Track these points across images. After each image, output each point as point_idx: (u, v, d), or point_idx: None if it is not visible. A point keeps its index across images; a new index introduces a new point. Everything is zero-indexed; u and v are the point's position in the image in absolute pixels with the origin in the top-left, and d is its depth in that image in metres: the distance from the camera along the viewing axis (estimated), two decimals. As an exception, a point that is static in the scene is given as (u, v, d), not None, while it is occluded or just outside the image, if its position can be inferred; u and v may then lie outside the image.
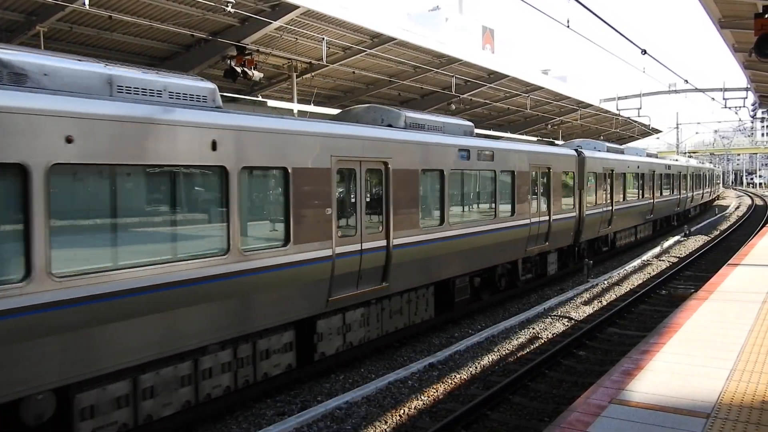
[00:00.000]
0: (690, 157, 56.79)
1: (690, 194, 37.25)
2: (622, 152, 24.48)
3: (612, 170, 21.64)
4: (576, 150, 19.27)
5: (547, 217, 16.47)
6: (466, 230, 12.86)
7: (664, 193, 29.63)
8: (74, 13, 13.85)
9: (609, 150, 22.92)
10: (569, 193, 18.24)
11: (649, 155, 29.16)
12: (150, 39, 16.27)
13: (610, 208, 21.52)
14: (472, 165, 13.09)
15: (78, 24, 14.62)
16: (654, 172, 27.51)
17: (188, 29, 15.87)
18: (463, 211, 13.19)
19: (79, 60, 7.18)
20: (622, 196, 22.90)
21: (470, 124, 14.48)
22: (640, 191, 25.56)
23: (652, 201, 27.12)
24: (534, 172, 15.78)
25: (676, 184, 32.63)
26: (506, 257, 14.82)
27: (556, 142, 33.56)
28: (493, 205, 14.03)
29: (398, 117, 12.01)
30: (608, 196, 21.31)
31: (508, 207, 14.68)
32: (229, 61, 16.57)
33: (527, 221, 15.32)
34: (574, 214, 18.34)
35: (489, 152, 13.72)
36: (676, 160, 36.97)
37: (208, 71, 18.29)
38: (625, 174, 23.24)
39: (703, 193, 44.44)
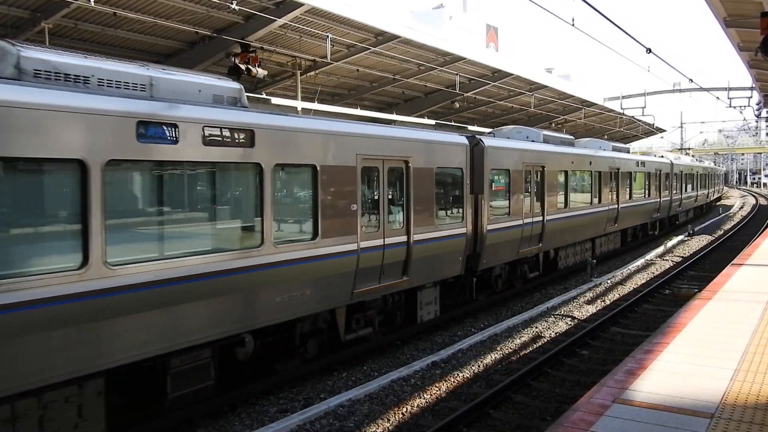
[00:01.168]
0: (687, 154, 52.67)
1: (679, 197, 32.53)
2: (565, 143, 18.86)
3: (541, 167, 16.19)
4: (469, 137, 13.65)
5: (404, 238, 11.10)
6: None
7: (634, 196, 24.49)
8: (79, 10, 13.87)
9: (546, 140, 17.64)
10: (452, 201, 12.75)
11: (617, 149, 24.01)
12: (154, 36, 16.29)
13: (541, 219, 16.07)
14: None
15: (83, 21, 14.64)
16: (617, 170, 22.02)
17: (193, 26, 15.88)
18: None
19: (119, 61, 7.63)
20: (559, 201, 17.38)
21: None
22: (596, 194, 20.16)
23: (615, 206, 21.77)
24: (378, 169, 10.60)
25: (656, 185, 27.60)
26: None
27: (469, 127, 30.88)
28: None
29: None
30: (535, 202, 15.84)
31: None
32: (233, 59, 16.58)
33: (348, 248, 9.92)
34: (463, 230, 12.76)
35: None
36: (661, 156, 31.51)
37: (212, 68, 18.30)
38: (566, 172, 17.73)
39: (697, 196, 38.94)
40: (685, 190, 34.57)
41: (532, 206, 15.65)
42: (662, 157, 31.14)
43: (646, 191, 26.41)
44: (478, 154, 13.59)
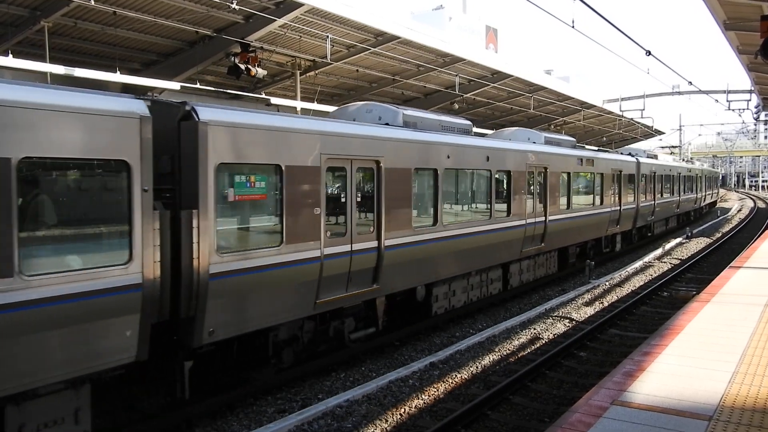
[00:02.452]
0: (672, 153, 46.68)
1: (650, 203, 26.67)
2: (457, 131, 13.54)
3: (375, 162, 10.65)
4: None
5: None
6: None
7: (577, 204, 18.63)
8: (79, 9, 13.86)
9: (443, 127, 12.97)
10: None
11: (554, 141, 18.39)
12: (154, 35, 16.28)
13: (376, 245, 10.49)
14: None
15: (82, 19, 14.63)
16: (545, 170, 16.39)
17: (193, 26, 15.88)
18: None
19: None
20: (416, 216, 11.63)
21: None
22: (499, 204, 14.37)
23: (542, 220, 16.23)
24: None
25: (613, 190, 21.69)
26: None
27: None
28: None
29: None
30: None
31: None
32: (233, 58, 16.58)
33: None
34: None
35: None
36: (630, 154, 26.14)
37: (211, 68, 18.32)
38: (456, 172, 12.99)
39: (679, 202, 33.24)
40: (661, 195, 28.79)
41: (377, 224, 10.55)
42: (629, 154, 25.88)
43: (598, 197, 20.43)
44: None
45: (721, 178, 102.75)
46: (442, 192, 12.13)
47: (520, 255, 15.53)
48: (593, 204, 20.12)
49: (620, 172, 22.47)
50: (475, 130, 16.96)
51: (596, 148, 34.19)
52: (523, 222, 15.34)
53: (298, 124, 9.11)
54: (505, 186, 14.78)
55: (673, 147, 51.96)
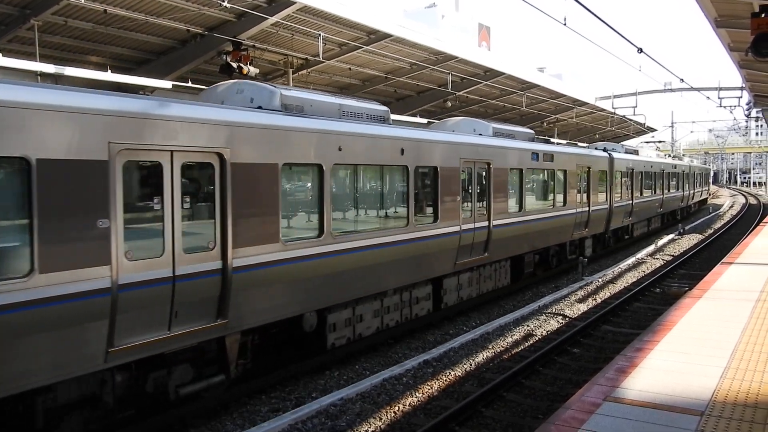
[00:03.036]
0: (658, 148, 42.87)
1: (627, 203, 24.50)
2: (367, 117, 11.42)
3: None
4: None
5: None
6: None
7: (527, 207, 15.88)
8: (69, 7, 13.77)
9: (343, 113, 10.85)
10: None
11: (501, 133, 15.87)
12: (145, 34, 16.19)
13: (220, 267, 8.08)
14: None
15: (73, 18, 14.53)
16: (473, 165, 13.63)
17: (184, 24, 15.80)
18: None
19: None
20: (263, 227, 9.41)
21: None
22: (436, 206, 12.30)
23: (471, 228, 13.44)
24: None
25: (577, 188, 19.13)
26: None
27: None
28: None
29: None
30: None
31: None
32: (224, 57, 16.53)
33: None
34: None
35: None
36: (605, 149, 23.85)
37: (203, 66, 18.24)
38: (354, 168, 10.81)
39: (662, 200, 31.08)
40: (641, 193, 26.71)
41: (221, 237, 8.18)
42: (603, 149, 23.66)
43: (561, 197, 18.12)
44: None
45: (712, 174, 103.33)
46: (330, 194, 9.58)
47: (454, 268, 13.07)
48: (554, 205, 17.68)
49: (589, 168, 20.17)
50: (417, 119, 16.04)
51: (565, 142, 32.08)
52: (457, 229, 12.80)
53: (53, 99, 6.32)
54: (430, 186, 12.32)
55: (659, 142, 50.16)
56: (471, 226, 13.40)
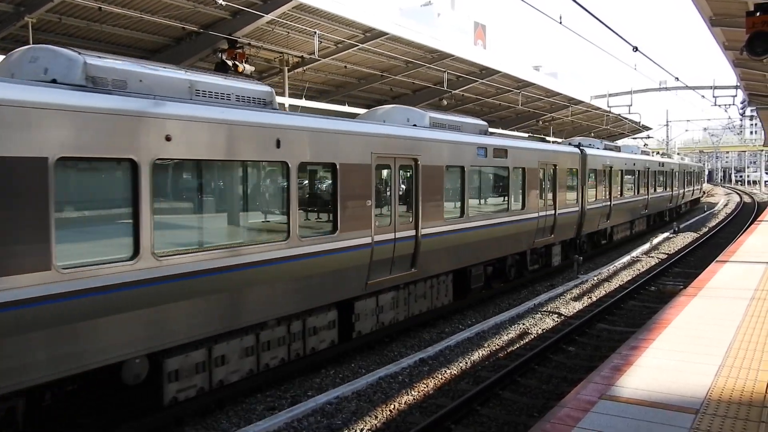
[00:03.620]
0: (646, 145, 40.60)
1: (604, 205, 21.93)
2: (238, 99, 8.99)
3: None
4: None
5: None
6: None
7: (471, 212, 13.45)
8: (63, 4, 13.73)
9: (197, 92, 8.38)
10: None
11: (440, 125, 13.29)
12: (140, 31, 16.15)
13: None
14: None
15: (67, 15, 14.48)
16: (416, 162, 11.64)
17: (179, 22, 15.76)
18: None
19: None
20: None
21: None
22: (335, 213, 10.00)
23: (412, 235, 11.60)
24: None
25: (537, 190, 16.42)
26: None
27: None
28: None
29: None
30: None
31: None
32: (220, 55, 16.50)
33: None
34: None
35: None
36: (579, 145, 21.36)
37: (198, 64, 18.19)
38: (197, 164, 8.10)
39: (648, 201, 28.65)
40: (621, 194, 24.24)
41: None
42: (577, 145, 21.20)
43: (518, 199, 15.60)
44: None
45: (707, 173, 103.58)
46: (151, 199, 7.13)
47: (365, 289, 10.68)
48: (508, 209, 15.00)
49: (555, 166, 17.62)
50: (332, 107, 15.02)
51: (526, 136, 29.00)
52: (368, 240, 10.46)
53: None
54: (325, 187, 10.17)
55: (646, 138, 49.25)
56: (389, 237, 10.94)
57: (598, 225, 21.83)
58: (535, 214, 16.35)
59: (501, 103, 32.39)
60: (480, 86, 27.37)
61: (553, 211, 17.53)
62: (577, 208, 19.46)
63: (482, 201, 14.31)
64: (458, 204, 13.11)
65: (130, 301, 6.97)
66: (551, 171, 17.55)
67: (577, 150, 20.09)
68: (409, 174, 11.62)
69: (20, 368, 6.08)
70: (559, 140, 29.56)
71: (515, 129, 35.88)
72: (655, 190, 30.13)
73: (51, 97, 6.36)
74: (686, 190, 40.39)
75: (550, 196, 17.41)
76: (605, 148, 24.08)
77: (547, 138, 30.70)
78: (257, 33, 17.20)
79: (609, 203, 22.53)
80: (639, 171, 27.04)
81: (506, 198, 15.08)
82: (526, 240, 16.16)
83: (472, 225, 13.48)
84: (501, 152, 14.63)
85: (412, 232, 11.49)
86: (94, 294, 6.58)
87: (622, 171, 24.28)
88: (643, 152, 30.95)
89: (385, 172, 11.12)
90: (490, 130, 16.37)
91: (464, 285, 14.00)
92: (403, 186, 11.48)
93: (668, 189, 33.67)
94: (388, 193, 11.15)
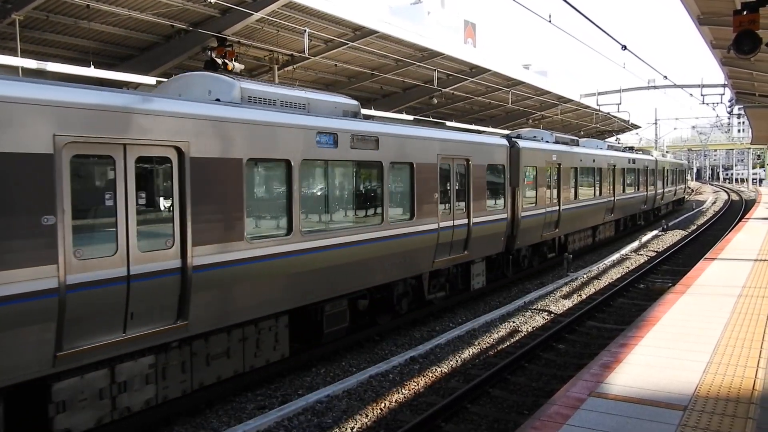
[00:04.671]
0: (618, 140, 38.28)
1: (554, 209, 18.33)
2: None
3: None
4: None
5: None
6: None
7: (311, 229, 9.66)
8: (51, 2, 13.62)
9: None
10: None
11: (260, 98, 9.28)
12: (129, 29, 16.04)
13: None
14: None
15: (55, 12, 14.36)
16: (180, 152, 7.63)
17: (168, 19, 15.67)
18: None
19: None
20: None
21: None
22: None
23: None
24: None
25: (436, 196, 12.51)
26: None
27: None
28: None
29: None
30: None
31: None
32: (209, 53, 16.39)
33: None
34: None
35: None
36: (509, 137, 17.19)
37: (188, 62, 18.11)
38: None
39: (615, 205, 24.68)
40: (576, 196, 20.30)
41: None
42: (506, 137, 17.01)
43: (405, 206, 11.83)
44: None
45: (695, 170, 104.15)
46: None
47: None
48: (383, 221, 11.09)
49: (467, 162, 13.73)
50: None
51: (411, 118, 21.21)
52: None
53: None
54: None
55: (617, 132, 46.85)
56: (119, 272, 6.90)
57: (542, 235, 17.92)
58: (434, 226, 12.50)
59: (491, 102, 32.46)
60: (470, 85, 27.42)
61: (465, 221, 13.66)
62: (504, 216, 15.46)
63: (335, 209, 10.39)
64: (285, 215, 9.20)
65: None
66: (461, 169, 13.68)
67: (504, 142, 15.84)
68: (166, 172, 7.61)
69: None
70: (488, 129, 25.50)
71: (505, 127, 35.95)
72: (623, 190, 25.98)
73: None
74: (666, 190, 35.86)
75: (460, 201, 13.59)
76: (557, 141, 19.88)
77: (481, 128, 24.28)
78: (247, 31, 17.14)
79: (558, 208, 18.61)
80: (601, 169, 22.89)
81: (380, 206, 11.13)
82: (420, 260, 12.33)
83: (311, 246, 9.51)
84: (368, 141, 10.76)
85: (177, 263, 7.49)
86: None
87: (576, 169, 20.22)
88: (610, 147, 27.23)
89: (103, 170, 7.02)
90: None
91: (318, 330, 10.28)
92: (161, 192, 7.65)
93: (642, 189, 29.34)
94: (119, 203, 6.97)
